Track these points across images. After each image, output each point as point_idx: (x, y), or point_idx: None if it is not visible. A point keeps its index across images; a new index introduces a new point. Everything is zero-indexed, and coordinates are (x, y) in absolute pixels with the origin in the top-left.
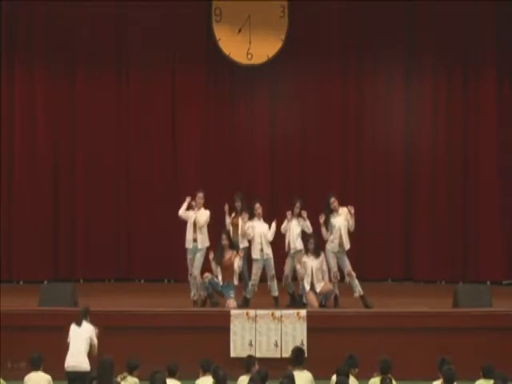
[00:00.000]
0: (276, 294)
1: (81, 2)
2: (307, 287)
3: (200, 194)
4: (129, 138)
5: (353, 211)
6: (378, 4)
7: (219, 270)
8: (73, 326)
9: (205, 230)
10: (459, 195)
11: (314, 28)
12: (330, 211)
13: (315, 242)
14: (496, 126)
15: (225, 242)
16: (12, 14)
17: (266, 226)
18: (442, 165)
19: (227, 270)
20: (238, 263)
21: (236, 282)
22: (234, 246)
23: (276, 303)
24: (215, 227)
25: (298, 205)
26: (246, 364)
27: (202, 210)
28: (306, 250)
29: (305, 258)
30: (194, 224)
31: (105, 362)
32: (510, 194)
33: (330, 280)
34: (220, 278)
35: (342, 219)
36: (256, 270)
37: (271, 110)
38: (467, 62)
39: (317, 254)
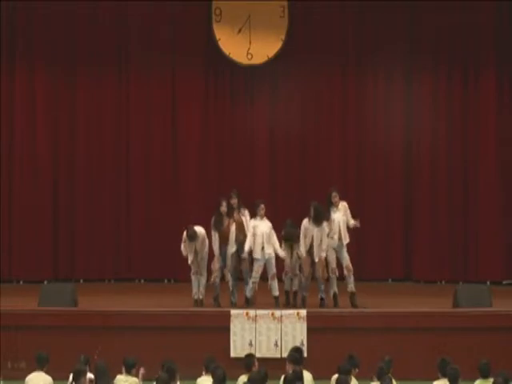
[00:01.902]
0: (276, 293)
1: (81, 2)
2: (303, 252)
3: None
4: (129, 138)
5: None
6: (378, 4)
7: (217, 236)
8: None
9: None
10: (459, 195)
11: (313, 28)
12: (330, 205)
13: (315, 210)
14: (496, 126)
15: (223, 208)
16: (12, 14)
17: (268, 224)
18: (441, 164)
19: (225, 236)
20: (233, 230)
21: (233, 248)
22: (230, 212)
23: (276, 303)
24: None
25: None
26: (245, 363)
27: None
28: (309, 217)
29: (306, 224)
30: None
31: (98, 368)
32: (510, 194)
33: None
34: (217, 244)
35: (340, 214)
36: (257, 268)
37: (271, 110)
38: (467, 62)
39: (318, 223)
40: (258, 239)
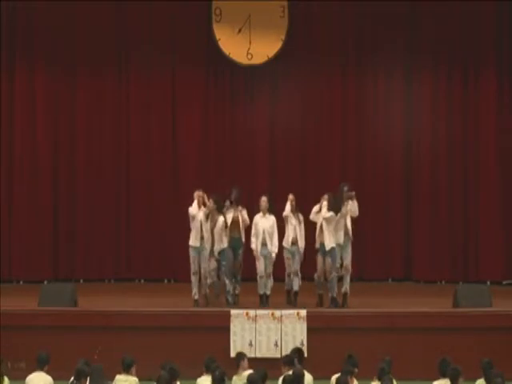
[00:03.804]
0: (268, 292)
1: (81, 2)
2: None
3: (199, 193)
4: (129, 138)
5: (353, 193)
6: (378, 4)
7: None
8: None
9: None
10: (459, 195)
11: (313, 28)
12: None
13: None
14: (496, 126)
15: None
16: (12, 14)
17: (271, 219)
18: (442, 165)
19: (236, 225)
20: (244, 216)
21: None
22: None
23: (266, 301)
24: None
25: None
26: (235, 360)
27: (203, 208)
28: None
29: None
30: (201, 223)
31: (94, 371)
32: (510, 194)
33: None
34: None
35: (345, 208)
36: (259, 264)
37: (271, 110)
38: (467, 62)
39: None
40: (259, 237)
